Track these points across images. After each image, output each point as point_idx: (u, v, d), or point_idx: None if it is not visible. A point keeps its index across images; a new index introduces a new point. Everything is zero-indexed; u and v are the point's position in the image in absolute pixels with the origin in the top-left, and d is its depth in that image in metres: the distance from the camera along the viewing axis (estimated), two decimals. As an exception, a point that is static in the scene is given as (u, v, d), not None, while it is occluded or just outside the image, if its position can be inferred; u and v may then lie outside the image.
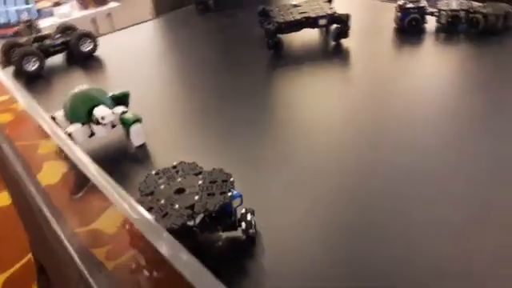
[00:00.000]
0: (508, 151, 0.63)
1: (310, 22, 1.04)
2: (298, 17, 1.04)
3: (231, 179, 0.51)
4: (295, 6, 1.12)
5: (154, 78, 1.05)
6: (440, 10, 1.04)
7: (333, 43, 1.07)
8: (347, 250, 0.49)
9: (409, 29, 1.06)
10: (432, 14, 1.07)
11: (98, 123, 0.70)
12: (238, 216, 0.50)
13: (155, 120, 0.80)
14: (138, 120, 0.71)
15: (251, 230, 0.49)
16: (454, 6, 1.04)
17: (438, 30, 1.06)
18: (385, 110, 0.78)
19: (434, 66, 0.93)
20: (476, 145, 0.65)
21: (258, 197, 0.56)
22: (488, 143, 0.65)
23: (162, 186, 0.51)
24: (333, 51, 1.05)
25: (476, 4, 1.04)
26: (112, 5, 2.50)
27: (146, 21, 1.50)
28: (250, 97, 0.88)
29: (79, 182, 0.53)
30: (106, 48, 1.22)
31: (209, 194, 0.49)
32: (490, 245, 0.48)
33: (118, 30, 1.47)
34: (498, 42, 0.97)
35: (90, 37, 1.20)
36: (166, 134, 0.78)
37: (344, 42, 1.06)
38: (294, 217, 0.54)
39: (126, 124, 0.71)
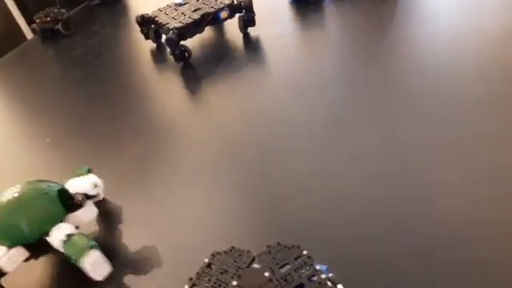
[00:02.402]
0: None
1: (211, 19, 0.90)
2: (196, 16, 0.88)
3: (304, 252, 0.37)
4: (181, 4, 0.96)
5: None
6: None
7: (241, 35, 0.94)
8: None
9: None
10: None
11: (79, 204, 0.50)
12: None
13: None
14: (92, 247, 0.48)
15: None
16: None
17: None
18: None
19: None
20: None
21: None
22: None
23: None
24: (247, 45, 0.92)
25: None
26: None
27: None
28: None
29: None
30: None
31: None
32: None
33: None
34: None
35: None
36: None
37: (251, 30, 0.94)
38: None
39: (73, 258, 0.47)
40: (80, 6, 1.44)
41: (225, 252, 0.38)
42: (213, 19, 0.90)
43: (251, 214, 0.51)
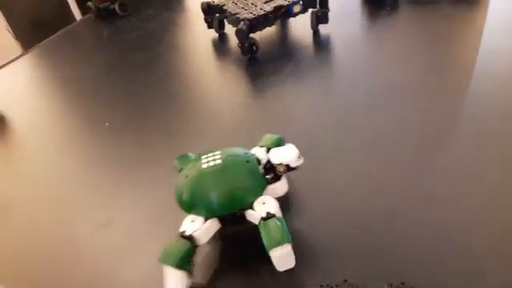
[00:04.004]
0: None
1: (283, 12, 0.84)
2: (268, 8, 0.83)
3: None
4: (249, -6, 0.91)
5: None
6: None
7: (311, 31, 0.89)
8: None
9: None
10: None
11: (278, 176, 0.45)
12: None
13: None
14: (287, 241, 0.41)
15: None
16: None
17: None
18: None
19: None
20: None
21: None
22: None
23: None
24: (318, 44, 0.87)
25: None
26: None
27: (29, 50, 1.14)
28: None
29: None
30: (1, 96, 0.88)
31: None
32: None
33: (3, 65, 1.09)
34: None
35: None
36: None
37: (323, 27, 0.89)
38: None
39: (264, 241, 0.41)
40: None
41: (336, 285, 0.33)
42: (285, 13, 0.84)
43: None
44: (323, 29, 0.89)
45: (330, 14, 0.87)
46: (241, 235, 0.47)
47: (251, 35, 0.82)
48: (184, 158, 0.51)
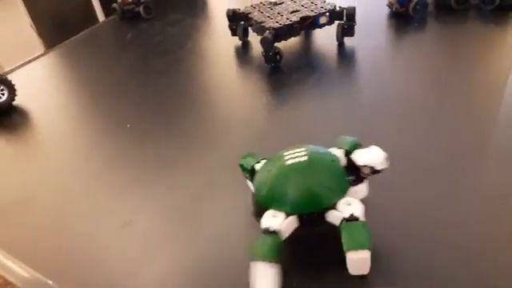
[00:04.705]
0: None
1: (310, 23, 0.84)
2: (294, 18, 0.83)
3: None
4: (275, 3, 0.90)
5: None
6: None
7: (336, 43, 0.88)
8: None
9: (414, 14, 0.91)
10: (431, -7, 0.93)
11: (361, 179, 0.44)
12: None
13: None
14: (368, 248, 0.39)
15: None
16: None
17: (441, 12, 0.93)
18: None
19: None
20: None
21: None
22: None
23: None
24: (343, 57, 0.85)
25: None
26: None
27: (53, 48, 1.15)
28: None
29: None
30: (26, 92, 0.88)
31: None
32: None
33: (26, 62, 1.10)
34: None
35: (4, 83, 0.86)
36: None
37: (348, 40, 0.88)
38: None
39: (343, 242, 0.39)
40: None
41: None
42: (311, 24, 0.83)
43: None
44: (348, 41, 0.88)
45: (356, 26, 0.86)
46: (314, 237, 0.46)
47: (276, 44, 0.81)
48: (251, 157, 0.50)
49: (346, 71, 0.81)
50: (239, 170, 0.52)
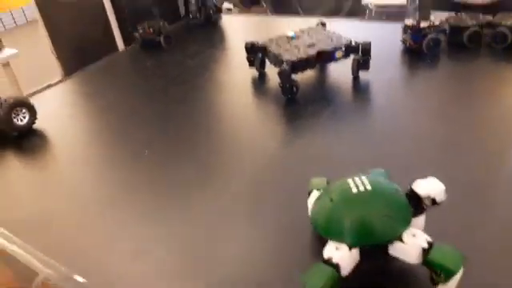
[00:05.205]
0: None
1: (325, 57, 0.86)
2: (311, 52, 0.85)
3: None
4: (292, 37, 0.93)
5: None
6: (459, 27, 0.93)
7: (351, 77, 0.90)
8: None
9: (427, 51, 0.93)
10: (444, 31, 0.95)
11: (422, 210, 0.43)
12: None
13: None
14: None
15: None
16: (467, 21, 0.94)
17: (454, 49, 0.95)
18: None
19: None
20: None
21: None
22: None
23: None
24: (358, 91, 0.87)
25: (487, 17, 0.95)
26: (8, 52, 2.04)
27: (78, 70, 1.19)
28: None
29: None
30: (45, 116, 0.91)
31: None
32: None
33: (45, 87, 1.14)
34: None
35: (26, 106, 0.88)
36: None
37: (363, 74, 0.90)
38: None
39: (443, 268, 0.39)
40: (177, 23, 1.46)
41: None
42: (327, 57, 0.86)
43: None
44: (363, 75, 0.90)
45: (371, 61, 0.88)
46: (375, 271, 0.44)
47: (292, 76, 0.83)
48: (318, 180, 0.51)
49: (361, 104, 0.83)
50: (254, 198, 0.53)
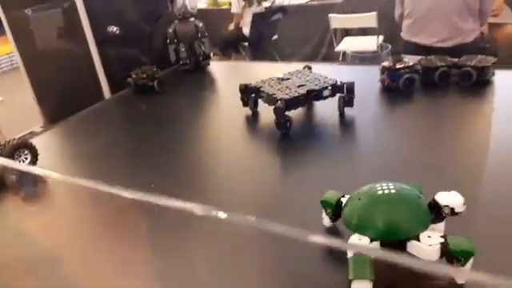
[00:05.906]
0: None
1: (314, 95, 0.95)
2: (301, 91, 0.94)
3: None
4: (283, 79, 1.02)
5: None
6: (430, 68, 1.05)
7: (337, 113, 0.99)
8: None
9: (403, 89, 1.04)
10: (418, 71, 1.07)
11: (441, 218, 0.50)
12: None
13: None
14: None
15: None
16: (437, 62, 1.06)
17: (427, 87, 1.07)
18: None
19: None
20: None
21: None
22: None
23: None
24: (344, 125, 0.96)
25: (454, 59, 1.07)
26: (-7, 100, 2.06)
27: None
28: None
29: None
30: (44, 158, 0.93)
31: None
32: None
33: (28, 134, 1.17)
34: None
35: (28, 147, 0.91)
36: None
37: (348, 110, 0.99)
38: None
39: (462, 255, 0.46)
40: (168, 69, 1.54)
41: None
42: (316, 96, 0.95)
43: None
44: (348, 111, 0.99)
45: (354, 99, 0.98)
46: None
47: (286, 113, 0.91)
48: (333, 193, 0.58)
49: (347, 137, 0.92)
50: (255, 233, 0.57)
